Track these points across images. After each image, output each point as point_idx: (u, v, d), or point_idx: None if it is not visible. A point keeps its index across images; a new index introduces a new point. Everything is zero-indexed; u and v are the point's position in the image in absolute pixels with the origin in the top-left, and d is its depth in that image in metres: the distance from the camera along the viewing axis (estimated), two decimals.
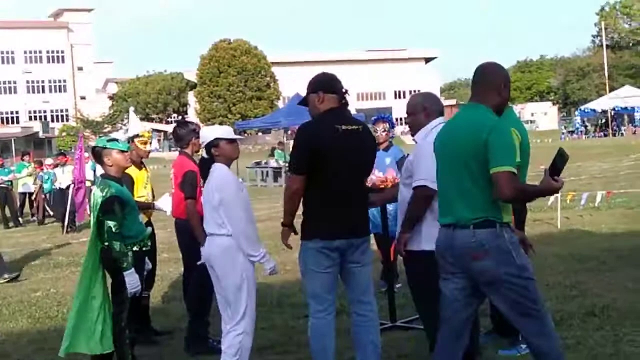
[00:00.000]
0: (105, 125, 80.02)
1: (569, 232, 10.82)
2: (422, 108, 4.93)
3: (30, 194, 19.22)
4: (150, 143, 6.57)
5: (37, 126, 75.22)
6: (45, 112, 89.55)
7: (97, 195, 5.07)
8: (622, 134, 55.65)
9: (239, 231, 4.72)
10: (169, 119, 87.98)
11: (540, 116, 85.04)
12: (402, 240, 4.79)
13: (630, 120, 57.48)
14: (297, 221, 4.78)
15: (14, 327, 7.26)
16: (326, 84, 4.72)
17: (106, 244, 5.02)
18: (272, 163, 27.54)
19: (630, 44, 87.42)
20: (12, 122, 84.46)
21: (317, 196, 4.60)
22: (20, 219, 18.78)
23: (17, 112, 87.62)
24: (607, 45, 72.73)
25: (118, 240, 4.97)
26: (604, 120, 59.51)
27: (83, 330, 5.09)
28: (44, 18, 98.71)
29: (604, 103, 55.73)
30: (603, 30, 74.50)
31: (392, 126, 7.85)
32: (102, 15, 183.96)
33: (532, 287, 3.93)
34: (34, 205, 19.14)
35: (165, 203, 6.40)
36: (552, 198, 11.85)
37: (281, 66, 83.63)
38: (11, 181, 18.77)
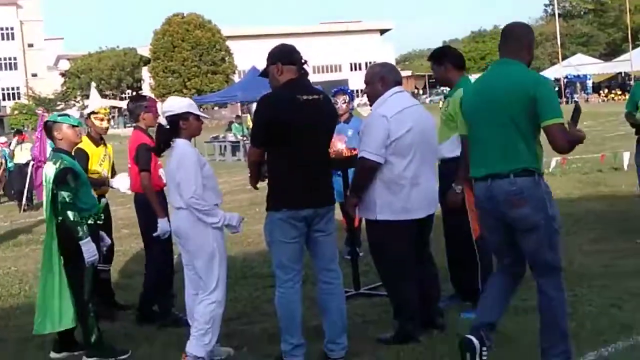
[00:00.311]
0: (58, 103, 78.55)
1: None
2: (380, 78, 5.01)
3: None
4: (108, 120, 6.52)
5: None
6: None
7: (50, 168, 5.12)
8: (575, 101, 56.38)
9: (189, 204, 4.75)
10: (123, 95, 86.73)
11: None
12: (349, 204, 5.05)
13: (583, 88, 58.34)
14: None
15: None
16: (284, 56, 4.73)
17: (60, 217, 5.05)
18: (230, 137, 27.39)
19: (582, 13, 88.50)
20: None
21: (281, 167, 4.63)
22: None
23: None
24: (559, 14, 73.43)
25: (72, 210, 5.03)
26: (557, 89, 60.26)
27: (45, 310, 5.12)
28: None
29: (557, 71, 56.42)
30: None
31: (352, 98, 7.93)
32: None
33: (556, 239, 4.13)
34: None
35: (121, 182, 6.37)
36: None
37: (236, 40, 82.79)
38: None
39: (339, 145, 6.25)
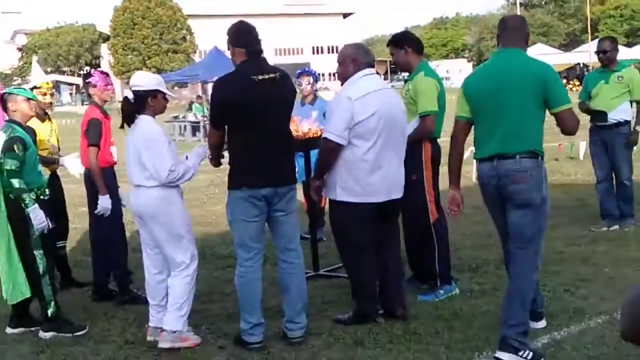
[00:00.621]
0: (15, 78, 77.10)
1: None
2: (352, 59, 5.00)
3: None
4: (52, 94, 6.45)
5: None
6: None
7: (0, 137, 5.09)
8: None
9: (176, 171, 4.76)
10: (81, 72, 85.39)
11: (455, 73, 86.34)
12: (312, 185, 5.07)
13: None
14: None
15: None
16: (234, 38, 4.73)
17: (5, 189, 5.02)
18: (190, 117, 27.17)
19: (543, 2, 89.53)
20: None
21: (240, 146, 4.65)
22: None
23: None
24: (520, 4, 74.13)
25: (18, 178, 5.00)
26: None
27: (13, 279, 5.08)
28: None
29: None
30: None
31: (316, 80, 7.95)
32: None
33: (544, 219, 4.37)
34: None
35: (72, 163, 6.31)
36: (467, 152, 12.17)
37: (197, 19, 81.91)
38: None
39: (305, 126, 6.26)
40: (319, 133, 5.91)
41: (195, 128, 25.97)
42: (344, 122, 4.77)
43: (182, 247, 4.83)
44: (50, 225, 5.15)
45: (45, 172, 5.83)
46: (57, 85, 76.29)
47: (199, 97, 30.60)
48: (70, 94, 75.52)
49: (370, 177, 4.85)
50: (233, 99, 4.55)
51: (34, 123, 5.97)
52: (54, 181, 6.23)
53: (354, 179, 4.85)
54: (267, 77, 4.63)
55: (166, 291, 4.92)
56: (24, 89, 5.44)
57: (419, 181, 5.40)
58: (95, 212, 5.78)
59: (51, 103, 6.45)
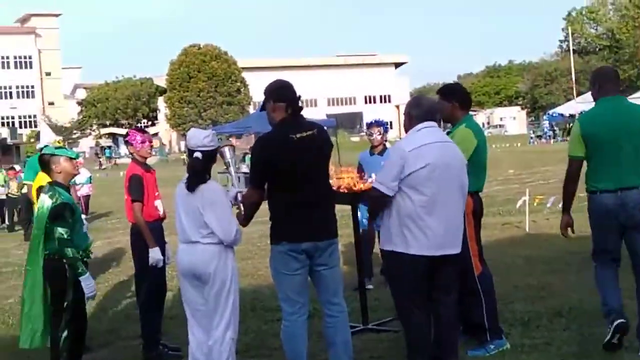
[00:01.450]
0: (74, 131, 79.29)
1: (536, 235, 10.95)
2: (407, 114, 5.06)
3: (2, 200, 19.12)
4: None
5: (4, 132, 74.29)
6: (13, 118, 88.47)
7: (46, 202, 5.07)
8: None
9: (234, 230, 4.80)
10: (139, 125, 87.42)
11: (509, 120, 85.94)
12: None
13: None
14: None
15: None
16: (274, 93, 4.83)
17: (48, 252, 5.04)
18: (244, 168, 27.45)
19: (597, 49, 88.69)
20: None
21: (280, 202, 4.73)
22: None
23: None
24: (574, 50, 73.71)
25: (70, 247, 4.99)
26: (571, 125, 60.17)
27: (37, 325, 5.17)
28: (11, 23, 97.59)
29: (572, 107, 56.30)
30: (570, 35, 75.46)
31: (386, 130, 7.99)
32: (70, 21, 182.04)
33: None
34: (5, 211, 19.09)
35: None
36: (519, 202, 12.07)
37: (251, 71, 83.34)
38: None
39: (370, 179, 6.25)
40: (363, 188, 5.96)
41: (248, 179, 26.23)
42: (393, 173, 4.77)
43: (228, 304, 4.79)
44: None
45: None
46: (115, 138, 78.17)
47: (252, 148, 30.99)
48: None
49: (424, 229, 4.78)
50: (272, 159, 4.66)
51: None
52: None
53: (408, 231, 4.80)
54: (305, 134, 4.71)
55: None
56: (65, 148, 5.49)
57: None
58: (149, 263, 5.87)
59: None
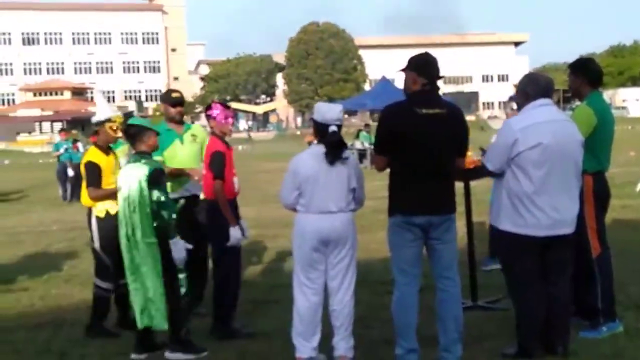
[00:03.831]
0: (197, 106, 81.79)
1: None
2: (522, 92, 5.06)
3: None
4: (122, 130, 6.05)
5: (131, 105, 77.56)
6: (139, 92, 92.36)
7: (140, 168, 5.25)
8: None
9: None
10: (258, 100, 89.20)
11: (632, 102, 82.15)
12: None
13: None
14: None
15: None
16: (421, 67, 4.85)
17: (158, 224, 5.22)
18: (357, 145, 27.66)
19: None
20: (109, 101, 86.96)
21: (397, 175, 4.84)
22: None
23: (113, 92, 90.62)
24: None
25: (166, 210, 5.24)
26: None
27: (156, 307, 5.32)
28: (140, 1, 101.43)
29: None
30: None
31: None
32: None
33: None
34: None
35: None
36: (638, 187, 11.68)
37: (368, 49, 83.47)
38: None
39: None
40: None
41: (362, 155, 26.40)
42: (500, 151, 4.84)
43: (353, 269, 5.14)
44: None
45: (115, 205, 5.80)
46: (235, 113, 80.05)
47: (367, 125, 31.12)
48: (247, 121, 79.04)
49: (533, 209, 4.79)
50: (395, 130, 4.74)
51: (100, 158, 6.06)
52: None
53: (517, 210, 4.83)
54: (432, 111, 4.74)
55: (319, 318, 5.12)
56: (148, 120, 5.62)
57: (580, 215, 5.28)
58: (227, 244, 5.75)
59: (118, 138, 6.26)
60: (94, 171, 6.01)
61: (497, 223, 4.96)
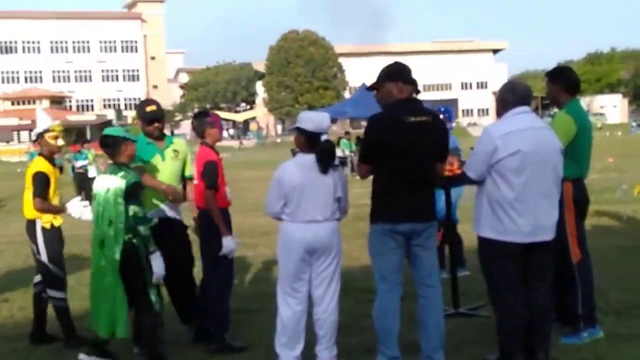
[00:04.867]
0: (176, 114, 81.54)
1: (634, 225, 10.71)
2: (500, 100, 5.09)
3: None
4: (63, 137, 6.17)
5: (110, 114, 77.20)
6: (118, 100, 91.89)
7: (116, 181, 5.18)
8: None
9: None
10: (238, 109, 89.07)
11: (609, 109, 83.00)
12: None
13: None
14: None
15: None
16: (405, 75, 4.90)
17: (129, 236, 5.15)
18: (338, 152, 27.68)
19: None
20: (87, 110, 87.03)
21: (382, 183, 4.86)
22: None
23: (91, 100, 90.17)
24: None
25: (143, 224, 5.15)
26: None
27: (117, 317, 5.23)
28: (119, 9, 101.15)
29: None
30: None
31: (450, 118, 8.16)
32: (173, 7, 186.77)
33: None
34: None
35: (74, 207, 6.08)
36: (618, 190, 11.77)
37: (348, 57, 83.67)
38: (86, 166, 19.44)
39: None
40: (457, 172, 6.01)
41: (343, 163, 26.43)
42: (480, 159, 4.86)
43: (338, 276, 5.14)
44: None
45: (59, 219, 5.95)
46: None
47: (347, 133, 31.17)
48: (227, 129, 78.87)
49: (513, 216, 4.80)
50: (383, 139, 4.76)
51: (47, 169, 5.95)
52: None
53: (497, 217, 4.84)
54: (419, 119, 4.79)
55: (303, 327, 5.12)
56: (122, 129, 5.52)
57: (560, 221, 5.31)
58: (220, 254, 5.66)
59: (61, 147, 6.16)
60: (43, 182, 5.91)
61: (478, 229, 4.98)
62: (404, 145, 4.72)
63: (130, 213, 5.12)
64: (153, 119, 5.92)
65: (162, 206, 5.91)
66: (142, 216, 5.17)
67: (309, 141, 5.00)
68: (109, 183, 5.22)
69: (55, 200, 5.99)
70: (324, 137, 5.01)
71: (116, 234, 5.16)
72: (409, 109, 4.81)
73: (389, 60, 5.24)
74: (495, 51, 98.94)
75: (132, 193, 5.15)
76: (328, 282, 5.08)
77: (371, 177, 4.96)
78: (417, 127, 4.76)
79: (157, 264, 5.23)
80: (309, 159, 4.97)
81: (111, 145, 5.31)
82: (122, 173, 5.21)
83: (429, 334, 4.86)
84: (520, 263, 4.91)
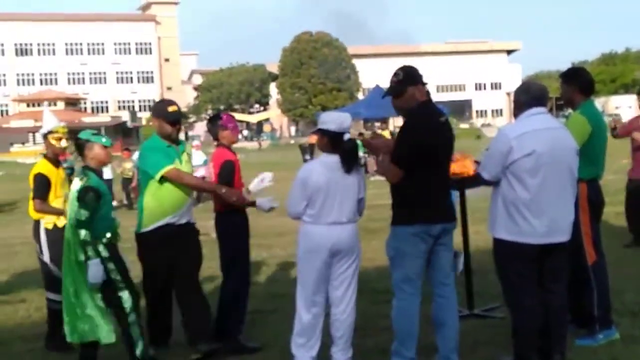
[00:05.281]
0: (190, 115, 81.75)
1: None
2: (515, 101, 5.08)
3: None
4: (67, 139, 6.13)
5: (125, 115, 77.47)
6: (133, 102, 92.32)
7: (76, 184, 5.18)
8: None
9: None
10: (252, 110, 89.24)
11: (624, 109, 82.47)
12: None
13: None
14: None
15: None
16: (421, 77, 4.92)
17: (109, 237, 5.17)
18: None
19: None
20: (102, 112, 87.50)
21: (418, 183, 4.79)
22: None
23: (106, 102, 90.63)
24: None
25: (85, 229, 5.03)
26: None
27: (95, 320, 5.20)
28: (133, 11, 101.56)
29: None
30: None
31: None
32: (187, 9, 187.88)
33: None
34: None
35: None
36: None
37: (361, 58, 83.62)
38: None
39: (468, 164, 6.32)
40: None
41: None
42: (495, 160, 4.85)
43: (356, 278, 5.14)
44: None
45: (58, 220, 5.92)
46: None
47: (360, 134, 31.15)
48: (241, 130, 79.05)
49: (528, 217, 4.77)
50: (426, 141, 4.75)
51: (49, 171, 5.96)
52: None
53: (512, 218, 4.82)
54: (444, 119, 4.90)
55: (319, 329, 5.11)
56: (101, 135, 5.43)
57: (575, 222, 5.30)
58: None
59: (65, 148, 6.18)
60: (43, 183, 5.92)
61: (493, 231, 4.98)
62: (440, 146, 4.82)
63: (76, 215, 5.05)
64: (177, 120, 5.70)
65: (180, 211, 5.66)
66: (85, 220, 5.02)
67: (332, 141, 4.98)
68: (74, 186, 5.24)
69: (58, 202, 6.01)
70: (347, 137, 4.99)
71: (78, 237, 5.10)
72: (435, 110, 4.89)
73: (403, 61, 5.26)
74: (509, 52, 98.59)
75: (81, 196, 5.07)
76: (348, 283, 5.07)
77: (381, 178, 4.98)
78: (444, 126, 4.87)
79: (92, 272, 5.05)
80: (334, 159, 4.96)
81: (79, 147, 5.32)
82: (82, 176, 5.20)
83: (447, 334, 4.88)
84: (536, 265, 4.90)
